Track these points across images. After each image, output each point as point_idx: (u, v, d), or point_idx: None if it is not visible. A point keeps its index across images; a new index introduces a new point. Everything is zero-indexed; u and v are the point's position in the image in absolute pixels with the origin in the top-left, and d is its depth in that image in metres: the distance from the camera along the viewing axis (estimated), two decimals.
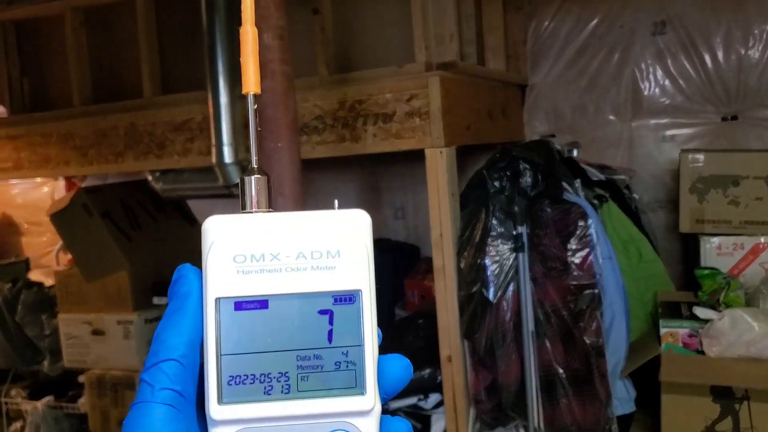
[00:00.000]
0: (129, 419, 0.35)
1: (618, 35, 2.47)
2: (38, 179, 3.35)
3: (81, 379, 2.63)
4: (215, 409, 0.36)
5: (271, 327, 0.37)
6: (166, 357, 0.36)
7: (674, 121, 2.42)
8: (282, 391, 0.37)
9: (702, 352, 1.73)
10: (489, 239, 1.88)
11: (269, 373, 0.37)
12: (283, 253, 0.37)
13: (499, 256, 1.88)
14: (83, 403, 2.65)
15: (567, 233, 1.80)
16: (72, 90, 2.40)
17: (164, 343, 0.37)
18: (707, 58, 2.35)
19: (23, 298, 2.77)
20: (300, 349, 0.37)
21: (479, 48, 2.28)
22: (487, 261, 1.88)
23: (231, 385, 0.36)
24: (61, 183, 3.33)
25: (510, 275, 1.87)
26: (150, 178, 2.39)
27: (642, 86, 2.45)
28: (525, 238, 1.85)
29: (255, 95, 0.40)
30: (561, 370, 1.82)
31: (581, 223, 1.79)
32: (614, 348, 1.82)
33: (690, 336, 1.77)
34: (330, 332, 0.37)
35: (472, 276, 1.89)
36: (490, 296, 1.88)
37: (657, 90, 2.44)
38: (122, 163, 2.28)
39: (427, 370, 2.07)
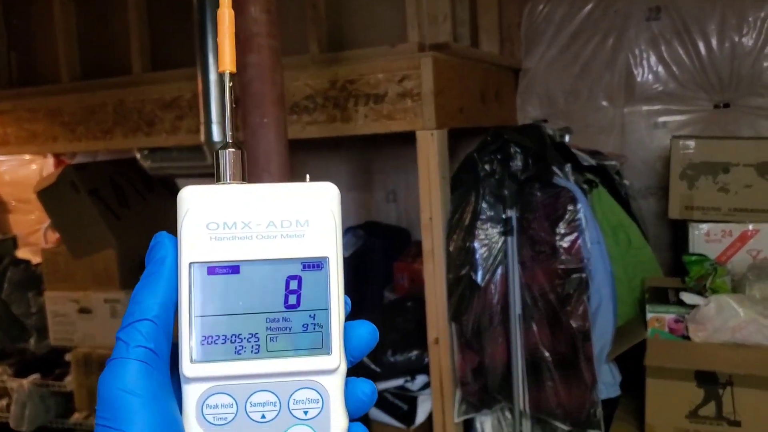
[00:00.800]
0: (104, 374, 0.37)
1: (612, 20, 2.45)
2: (26, 156, 3.32)
3: (68, 357, 2.62)
4: (188, 367, 0.38)
5: (242, 291, 0.39)
6: (141, 317, 0.38)
7: (666, 108, 2.41)
8: (252, 351, 0.39)
9: (688, 338, 1.74)
10: (478, 222, 1.87)
11: (240, 334, 0.39)
12: (254, 222, 0.39)
13: (488, 239, 1.88)
14: (70, 381, 2.65)
15: (556, 217, 1.80)
16: (60, 65, 2.38)
17: (140, 304, 0.39)
18: (701, 45, 2.34)
19: (10, 275, 2.76)
20: (269, 312, 0.39)
21: (473, 30, 2.26)
22: (476, 244, 1.87)
23: (203, 344, 0.38)
24: (50, 160, 3.30)
25: (498, 259, 1.87)
26: (138, 156, 2.37)
27: (635, 72, 2.44)
28: (514, 222, 1.84)
29: (231, 74, 0.42)
30: (547, 354, 1.82)
31: (570, 208, 1.79)
32: (601, 332, 1.82)
33: (676, 321, 1.77)
34: (298, 296, 0.39)
35: (460, 259, 1.89)
36: (479, 279, 1.87)
37: (650, 76, 2.43)
38: (110, 141, 2.26)
39: (415, 352, 2.07)
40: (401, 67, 1.83)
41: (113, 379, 0.37)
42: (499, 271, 1.87)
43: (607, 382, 1.86)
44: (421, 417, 2.07)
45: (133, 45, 2.24)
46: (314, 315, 0.40)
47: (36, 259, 2.90)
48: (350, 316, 0.42)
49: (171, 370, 0.39)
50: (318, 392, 0.40)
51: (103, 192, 2.50)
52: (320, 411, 0.39)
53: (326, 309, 0.40)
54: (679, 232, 2.21)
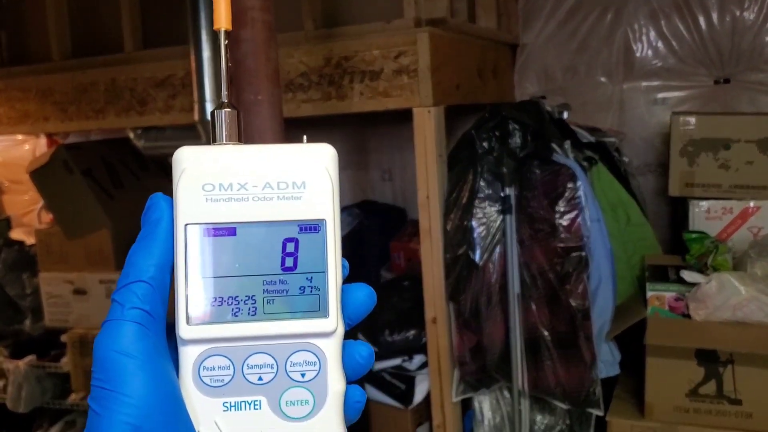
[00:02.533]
0: (100, 336, 0.37)
1: None
2: (19, 136, 3.28)
3: (63, 338, 2.61)
4: (185, 329, 0.38)
5: (239, 253, 0.39)
6: (136, 278, 0.38)
7: (666, 84, 2.38)
8: (249, 313, 0.39)
9: (688, 316, 1.73)
10: (476, 201, 1.85)
11: (236, 296, 0.39)
12: (251, 183, 0.39)
13: (486, 218, 1.86)
14: (66, 363, 2.63)
15: (555, 195, 1.78)
16: (51, 43, 2.34)
17: (135, 265, 0.38)
18: (701, 20, 2.31)
19: (4, 256, 2.73)
20: (266, 275, 0.39)
21: (470, 4, 2.23)
22: (474, 223, 1.85)
23: (200, 306, 0.38)
24: (43, 140, 3.26)
25: (497, 237, 1.85)
26: (132, 135, 2.34)
27: (634, 48, 2.41)
28: (513, 200, 1.82)
29: (226, 31, 0.42)
30: (546, 333, 1.81)
31: (570, 185, 1.77)
32: (600, 311, 1.81)
33: (676, 300, 1.75)
34: (295, 259, 0.39)
35: (458, 238, 1.87)
36: (477, 258, 1.86)
37: (649, 52, 2.40)
38: (103, 120, 2.23)
39: (412, 332, 2.06)
40: (397, 43, 1.80)
41: (108, 340, 0.37)
42: (498, 250, 1.85)
43: (607, 360, 1.85)
44: (418, 397, 2.07)
45: (125, 23, 2.20)
46: (311, 278, 0.39)
47: (30, 240, 2.87)
48: (348, 279, 0.42)
49: (168, 333, 0.39)
50: (315, 355, 0.40)
51: (96, 172, 2.47)
52: (317, 373, 0.40)
53: (323, 272, 0.40)
54: (678, 209, 2.19)
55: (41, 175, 2.43)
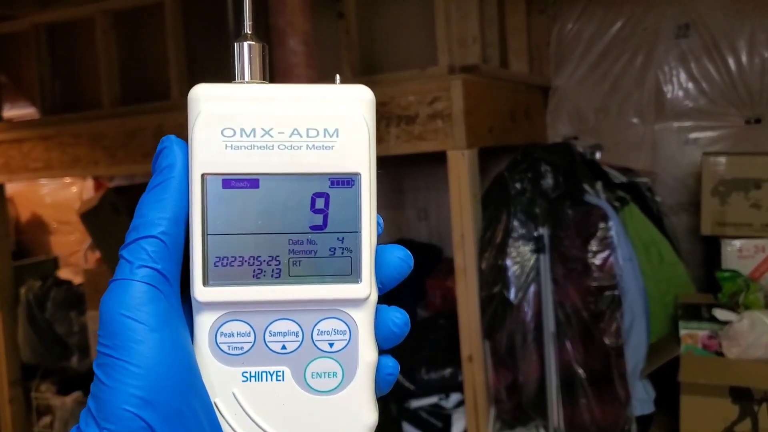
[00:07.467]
0: (106, 296, 0.34)
1: (641, 38, 2.47)
2: (67, 179, 3.41)
3: None
4: (200, 291, 0.35)
5: (262, 208, 0.35)
6: (146, 233, 0.34)
7: (697, 124, 2.42)
8: (272, 275, 0.35)
9: (721, 354, 1.74)
10: (510, 240, 1.90)
11: (259, 256, 0.35)
12: (276, 129, 0.35)
13: (520, 257, 1.90)
14: None
15: (588, 234, 1.82)
16: (102, 91, 2.46)
17: (144, 218, 0.35)
18: (731, 61, 2.35)
19: (53, 295, 2.83)
20: (292, 233, 0.35)
21: (502, 50, 2.30)
22: (508, 262, 1.90)
23: (218, 266, 0.35)
24: (90, 183, 3.39)
25: (531, 276, 1.89)
26: None
27: (665, 89, 2.45)
28: (546, 240, 1.86)
29: None
30: (581, 371, 1.83)
31: (602, 225, 1.81)
32: (634, 349, 1.83)
33: (709, 337, 1.77)
34: (325, 217, 0.35)
35: (493, 277, 1.91)
36: (511, 297, 1.89)
37: (680, 93, 2.44)
38: (150, 164, 2.32)
39: (449, 370, 2.09)
40: (432, 89, 1.87)
41: (115, 302, 0.33)
42: (532, 288, 1.89)
43: (641, 398, 1.86)
44: None
45: (172, 71, 2.31)
46: (343, 238, 0.35)
47: (77, 279, 2.97)
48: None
49: (182, 296, 0.36)
50: (345, 323, 0.36)
51: None
52: (347, 343, 0.36)
53: (356, 232, 0.35)
54: (711, 248, 2.20)
55: (91, 217, 2.54)
